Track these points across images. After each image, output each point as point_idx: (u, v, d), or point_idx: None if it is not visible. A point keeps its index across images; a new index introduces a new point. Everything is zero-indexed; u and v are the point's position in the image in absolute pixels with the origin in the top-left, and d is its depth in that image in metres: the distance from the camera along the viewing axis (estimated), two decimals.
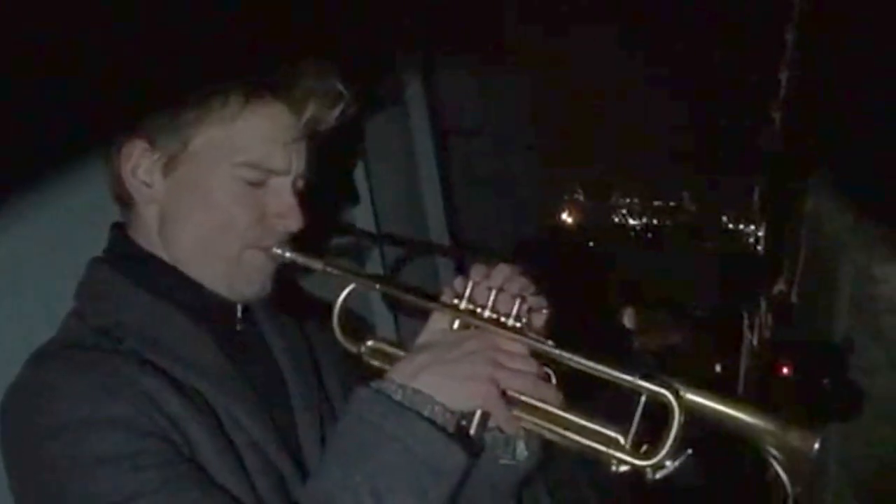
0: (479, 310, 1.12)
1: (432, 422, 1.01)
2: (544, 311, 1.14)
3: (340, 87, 1.21)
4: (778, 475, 0.98)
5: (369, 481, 0.97)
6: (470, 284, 1.14)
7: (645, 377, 1.02)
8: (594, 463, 1.09)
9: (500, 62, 3.14)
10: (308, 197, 1.23)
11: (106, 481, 0.96)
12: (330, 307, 1.26)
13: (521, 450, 1.19)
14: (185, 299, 1.17)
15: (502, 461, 1.19)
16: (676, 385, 1.01)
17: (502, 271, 1.15)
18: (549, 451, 1.20)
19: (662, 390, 1.00)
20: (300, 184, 1.22)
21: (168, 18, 1.43)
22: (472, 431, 1.08)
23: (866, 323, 3.13)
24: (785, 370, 3.58)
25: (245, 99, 1.15)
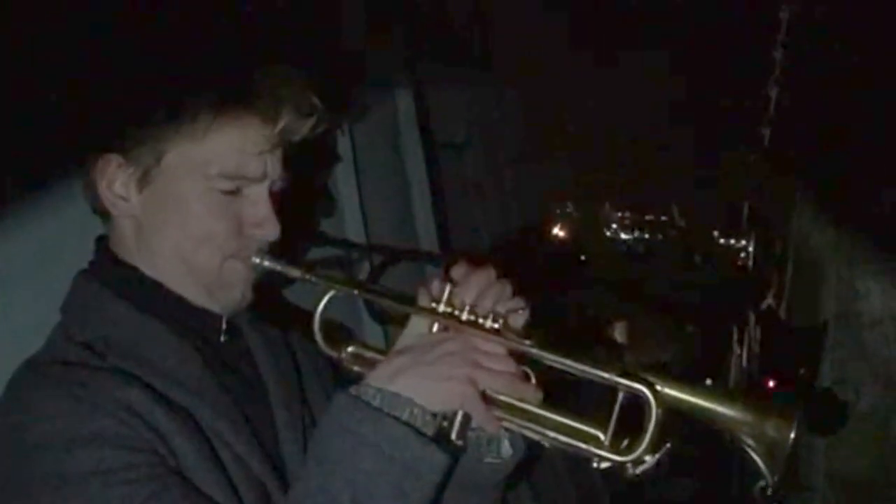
0: (457, 312, 1.14)
1: (410, 425, 1.02)
2: (522, 311, 1.15)
3: (314, 97, 1.22)
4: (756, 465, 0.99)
5: (349, 488, 0.99)
6: (448, 287, 1.16)
7: (622, 374, 1.04)
8: (578, 469, 1.11)
9: (489, 76, 3.17)
10: (288, 205, 1.24)
11: (95, 496, 0.97)
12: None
13: (506, 448, 1.21)
14: (169, 312, 1.18)
15: (487, 460, 1.21)
16: (653, 380, 1.03)
17: (480, 273, 1.16)
18: (533, 451, 1.21)
19: (639, 386, 1.02)
20: (277, 186, 1.22)
21: (137, 33, 1.44)
22: (454, 432, 1.09)
23: (850, 337, 3.15)
24: (771, 384, 3.59)
25: (216, 111, 1.15)
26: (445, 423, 1.09)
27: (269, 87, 1.19)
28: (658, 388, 1.03)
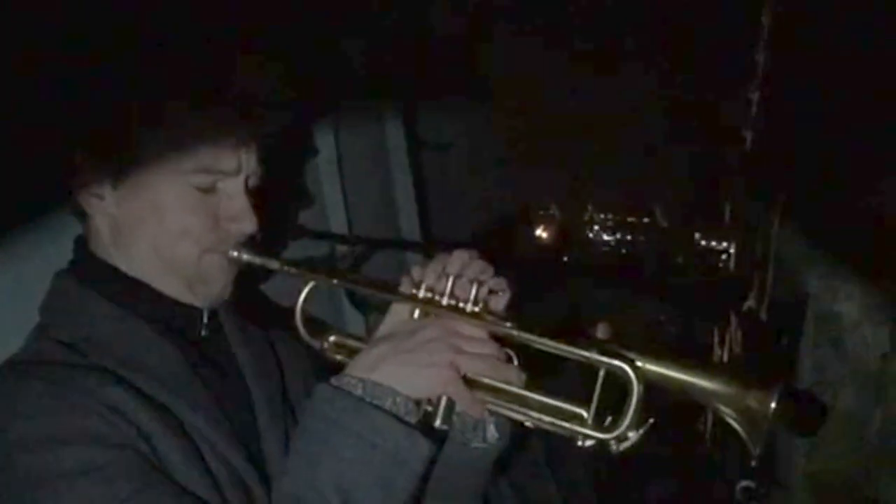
0: (437, 297, 1.13)
1: (393, 414, 1.02)
2: (503, 292, 1.15)
3: (288, 89, 1.22)
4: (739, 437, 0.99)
5: (334, 479, 0.99)
6: (429, 269, 1.15)
7: (602, 352, 1.04)
8: (561, 465, 1.11)
9: (475, 81, 3.17)
10: (266, 200, 1.23)
11: (78, 494, 0.96)
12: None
13: (492, 432, 1.20)
14: (148, 309, 1.17)
15: (474, 445, 1.20)
16: (633, 356, 1.03)
17: (459, 257, 1.16)
18: (515, 446, 1.21)
19: (619, 363, 1.03)
20: (252, 182, 1.22)
21: (111, 26, 1.43)
22: (438, 418, 1.09)
23: (830, 339, 3.18)
24: None
25: (188, 104, 1.15)
26: (430, 409, 1.09)
27: (242, 78, 1.18)
28: (638, 364, 1.04)
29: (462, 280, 1.15)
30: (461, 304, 1.13)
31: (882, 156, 3.11)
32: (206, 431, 1.13)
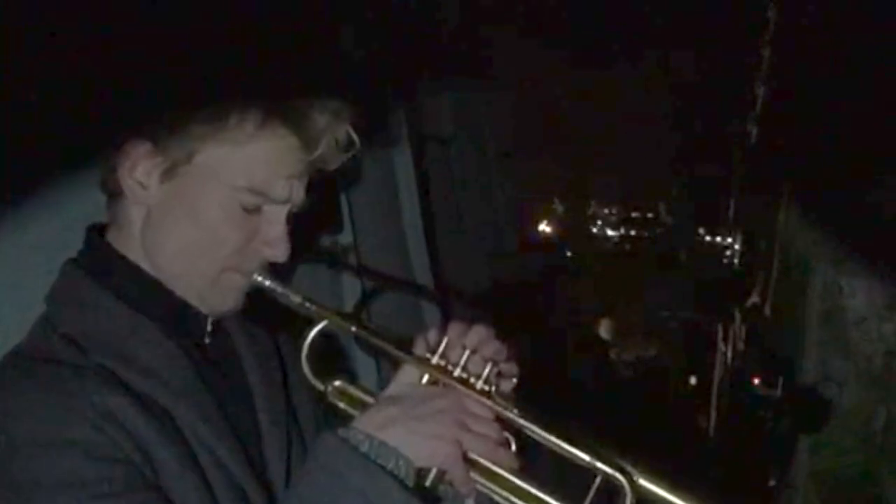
0: (450, 367, 1.14)
1: (395, 476, 1.02)
2: (513, 378, 1.16)
3: (353, 134, 1.21)
4: None
5: None
6: (445, 340, 1.15)
7: (601, 459, 1.05)
8: None
9: (479, 72, 3.16)
10: (293, 226, 1.23)
11: None
12: (303, 319, 1.25)
13: None
14: (156, 309, 1.15)
15: None
16: (630, 470, 1.04)
17: (478, 332, 1.15)
18: None
19: (617, 475, 1.03)
20: (294, 210, 1.22)
21: (196, 26, 1.43)
22: (427, 484, 1.09)
23: (834, 336, 3.17)
24: (756, 381, 3.62)
25: (260, 124, 1.14)
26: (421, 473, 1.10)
27: (316, 112, 1.18)
28: (635, 479, 1.05)
29: (476, 356, 1.15)
30: (472, 380, 1.14)
31: (889, 153, 3.10)
32: (206, 437, 1.11)
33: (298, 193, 1.19)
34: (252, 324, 1.30)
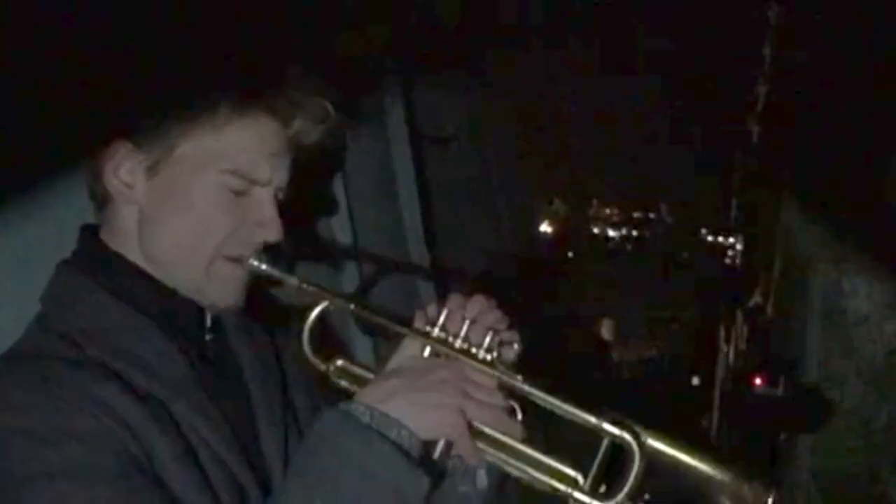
0: (451, 338, 1.13)
1: (398, 446, 1.01)
2: (515, 345, 1.15)
3: (328, 104, 1.22)
4: None
5: None
6: (444, 312, 1.15)
7: (609, 420, 1.04)
8: None
9: (479, 72, 3.15)
10: (285, 207, 1.23)
11: (57, 495, 0.95)
12: (301, 315, 1.25)
13: (482, 478, 1.20)
14: (153, 306, 1.16)
15: (461, 489, 1.20)
16: (639, 430, 1.04)
17: (478, 302, 1.16)
18: (507, 484, 1.21)
19: (625, 435, 1.03)
20: (280, 196, 1.22)
21: (162, 23, 1.43)
22: (435, 457, 1.08)
23: (836, 335, 3.17)
24: (759, 381, 3.61)
25: (234, 109, 1.15)
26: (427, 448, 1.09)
27: (286, 88, 1.19)
28: (643, 439, 1.04)
29: (477, 326, 1.15)
30: (474, 350, 1.13)
31: (891, 152, 3.10)
32: (203, 431, 1.11)
33: (282, 172, 1.20)
34: (250, 321, 1.30)
